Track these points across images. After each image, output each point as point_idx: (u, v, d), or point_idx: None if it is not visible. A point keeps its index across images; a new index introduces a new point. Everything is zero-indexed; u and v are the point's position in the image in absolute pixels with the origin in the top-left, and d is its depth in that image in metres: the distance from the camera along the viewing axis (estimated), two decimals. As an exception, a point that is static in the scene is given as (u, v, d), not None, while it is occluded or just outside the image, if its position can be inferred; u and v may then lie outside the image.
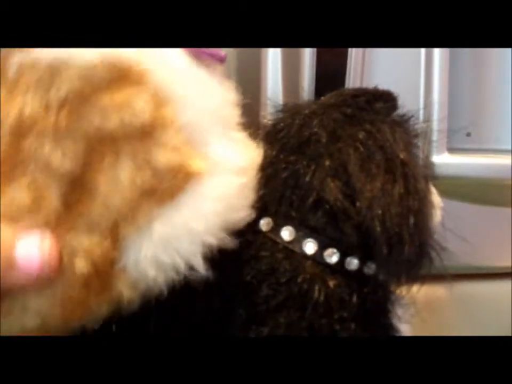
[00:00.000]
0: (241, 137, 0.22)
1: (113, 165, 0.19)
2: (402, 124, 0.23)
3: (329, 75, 0.28)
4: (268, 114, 0.24)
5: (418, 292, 0.21)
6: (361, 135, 0.21)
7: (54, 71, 0.18)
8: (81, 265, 0.19)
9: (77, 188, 0.19)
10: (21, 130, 0.19)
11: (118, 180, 0.19)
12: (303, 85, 0.27)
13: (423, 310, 0.21)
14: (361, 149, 0.21)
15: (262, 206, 0.21)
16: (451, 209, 0.23)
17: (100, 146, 0.18)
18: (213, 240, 0.19)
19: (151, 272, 0.19)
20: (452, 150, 0.33)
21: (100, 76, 0.18)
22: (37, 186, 0.19)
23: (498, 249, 0.34)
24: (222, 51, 0.22)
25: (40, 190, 0.19)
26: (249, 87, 0.28)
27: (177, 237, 0.20)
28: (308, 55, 0.27)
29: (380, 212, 0.20)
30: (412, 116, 0.23)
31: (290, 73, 0.29)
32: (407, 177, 0.21)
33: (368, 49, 0.28)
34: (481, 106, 0.36)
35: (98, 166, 0.19)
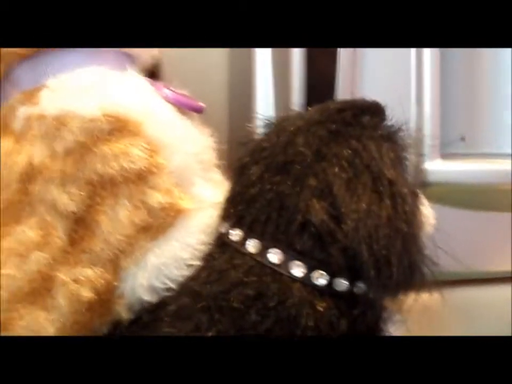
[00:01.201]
0: (218, 177, 0.40)
1: (113, 206, 0.35)
2: (391, 137, 0.36)
3: (319, 83, 0.42)
4: (255, 129, 0.37)
5: (414, 300, 0.33)
6: (346, 153, 0.35)
7: (59, 124, 0.35)
8: (86, 293, 0.35)
9: (81, 226, 0.36)
10: (29, 176, 0.36)
11: (118, 218, 0.35)
12: (293, 95, 0.40)
13: (421, 316, 0.34)
14: (347, 168, 0.34)
15: (247, 228, 0.35)
16: (447, 215, 0.35)
17: (101, 190, 0.35)
18: (196, 264, 0.34)
19: (146, 296, 0.35)
20: (445, 155, 0.46)
21: (100, 128, 0.35)
22: (45, 226, 0.36)
23: (497, 254, 0.45)
24: (200, 103, 0.39)
25: (48, 229, 0.36)
26: (240, 98, 0.42)
27: (167, 265, 0.37)
28: (297, 63, 0.40)
29: (366, 234, 0.33)
30: (401, 127, 0.35)
31: (281, 81, 0.44)
32: (395, 197, 0.34)
33: (358, 55, 0.41)
34: (475, 109, 0.48)
35: (100, 207, 0.35)
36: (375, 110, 0.38)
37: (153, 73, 0.41)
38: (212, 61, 0.49)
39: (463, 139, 0.51)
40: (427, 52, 0.45)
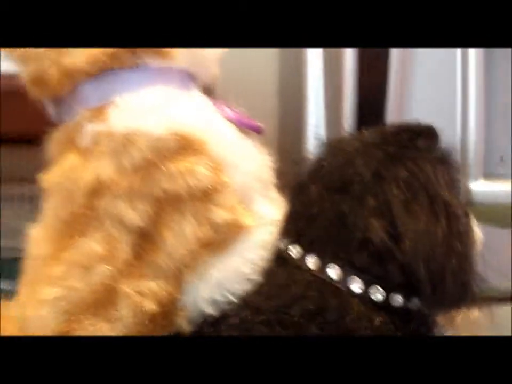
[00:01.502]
0: (276, 195, 0.47)
1: (179, 222, 0.41)
2: (444, 159, 0.43)
3: (370, 104, 0.48)
4: (311, 149, 0.43)
5: (463, 316, 0.40)
6: (404, 174, 0.41)
7: (128, 141, 0.42)
8: (149, 305, 0.41)
9: (146, 241, 0.42)
10: (96, 192, 0.42)
11: (183, 234, 0.41)
12: (345, 115, 0.46)
13: (469, 332, 0.40)
14: (405, 189, 0.41)
15: (307, 245, 0.41)
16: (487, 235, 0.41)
17: (168, 206, 0.41)
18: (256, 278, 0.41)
19: (207, 309, 0.41)
20: (487, 176, 0.54)
21: (167, 146, 0.41)
22: (111, 240, 0.41)
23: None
24: (259, 123, 0.46)
25: (114, 243, 0.41)
26: (292, 118, 0.48)
27: (229, 279, 0.44)
28: (349, 84, 0.46)
29: (423, 253, 0.39)
30: (453, 150, 0.41)
31: (332, 102, 0.51)
32: (450, 217, 0.41)
33: (408, 76, 0.48)
34: None
35: (166, 222, 0.42)
36: (429, 133, 0.45)
37: (208, 90, 0.48)
38: (262, 77, 0.56)
39: (502, 159, 0.59)
40: (472, 75, 0.53)
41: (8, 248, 0.77)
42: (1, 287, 0.65)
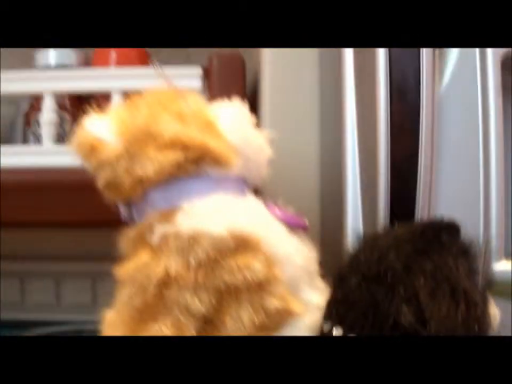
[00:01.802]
0: (321, 284, 0.62)
1: (237, 309, 0.55)
2: (465, 251, 0.56)
3: (401, 201, 0.62)
4: (350, 244, 0.56)
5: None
6: (429, 267, 0.54)
7: (193, 241, 0.56)
8: None
9: (209, 326, 0.57)
10: (166, 284, 0.56)
11: (241, 319, 0.56)
12: (380, 211, 0.60)
13: None
14: (430, 279, 0.54)
15: (347, 327, 0.53)
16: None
17: (228, 296, 0.55)
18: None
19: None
20: (509, 255, 0.68)
21: (227, 245, 0.56)
22: (179, 325, 0.56)
23: None
24: (306, 221, 0.60)
25: (182, 327, 0.56)
26: (333, 217, 0.62)
27: None
28: (382, 187, 0.60)
29: (445, 334, 0.51)
30: (473, 242, 0.53)
31: (368, 200, 0.66)
32: (469, 303, 0.54)
33: (434, 173, 0.63)
34: None
35: (226, 309, 0.56)
36: (452, 229, 0.59)
37: (258, 190, 0.61)
38: (305, 180, 0.71)
39: None
40: (494, 162, 0.67)
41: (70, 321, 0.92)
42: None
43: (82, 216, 0.79)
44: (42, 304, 1.07)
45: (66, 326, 0.99)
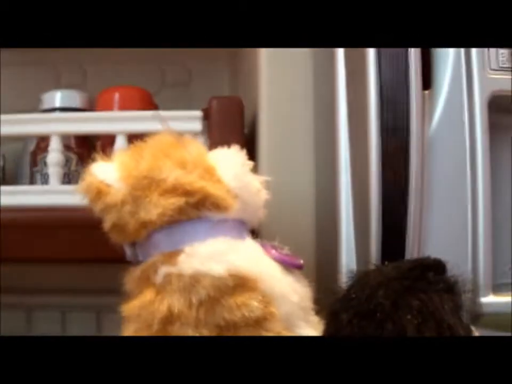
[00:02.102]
0: (315, 319, 0.66)
1: None
2: (450, 288, 0.60)
3: (392, 239, 0.65)
4: (343, 280, 0.60)
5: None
6: (416, 303, 0.58)
7: (195, 281, 0.60)
8: None
9: (210, 361, 0.57)
10: (169, 320, 0.60)
11: None
12: (372, 250, 0.64)
13: None
14: (417, 315, 0.58)
15: None
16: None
17: (227, 332, 0.60)
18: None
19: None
20: (496, 288, 0.72)
21: (227, 285, 0.60)
22: (182, 359, 0.56)
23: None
24: (300, 260, 0.64)
25: (184, 362, 0.57)
26: (327, 257, 0.65)
27: None
28: (375, 226, 0.64)
29: None
30: (458, 279, 0.57)
31: (361, 240, 0.70)
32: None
33: (425, 214, 0.68)
34: None
35: (226, 345, 0.56)
36: (438, 267, 0.63)
37: (254, 231, 0.65)
38: (300, 220, 0.76)
39: (511, 269, 0.75)
40: (481, 200, 0.72)
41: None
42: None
43: (87, 253, 0.83)
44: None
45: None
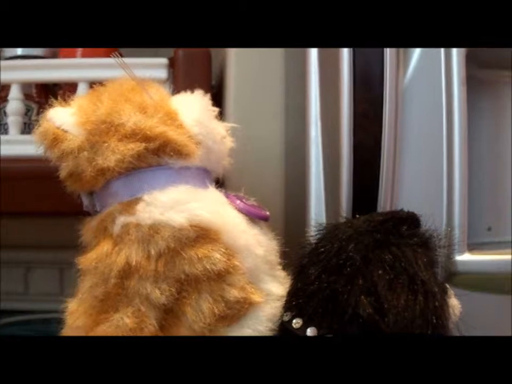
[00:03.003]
0: (282, 274, 0.61)
1: (197, 299, 0.55)
2: (424, 243, 0.56)
3: (364, 191, 0.62)
4: (311, 233, 0.56)
5: None
6: (388, 258, 0.54)
7: (153, 232, 0.56)
8: None
9: (169, 315, 0.56)
10: (127, 274, 0.55)
11: (201, 310, 0.55)
12: (343, 202, 0.60)
13: None
14: (389, 270, 0.54)
15: (307, 318, 0.53)
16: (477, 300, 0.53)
17: (188, 286, 0.54)
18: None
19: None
20: (472, 246, 0.68)
21: (187, 236, 0.55)
22: (140, 314, 0.55)
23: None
24: (267, 212, 0.60)
25: (142, 317, 0.55)
26: (296, 208, 0.61)
27: None
28: (345, 178, 0.60)
29: (403, 325, 0.51)
30: (433, 234, 0.53)
31: (331, 192, 0.66)
32: (427, 294, 0.54)
33: (397, 167, 0.65)
34: (500, 201, 0.70)
35: (186, 300, 0.55)
36: (411, 221, 0.58)
37: (220, 181, 0.61)
38: (269, 172, 0.71)
39: (489, 229, 0.71)
40: (456, 152, 0.67)
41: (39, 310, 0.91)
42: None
43: (47, 206, 0.78)
44: (10, 293, 1.06)
45: (34, 315, 0.99)
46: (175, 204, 0.57)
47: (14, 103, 0.79)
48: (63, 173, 0.60)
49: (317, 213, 0.67)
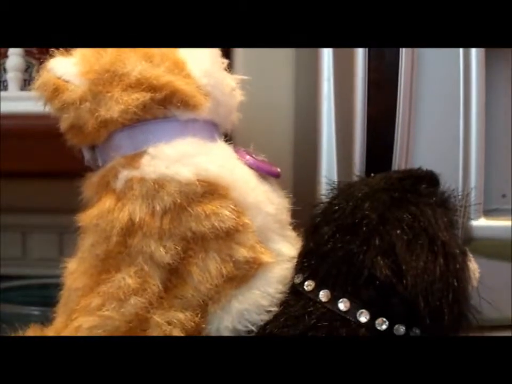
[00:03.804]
0: (293, 234, 0.57)
1: (204, 259, 0.51)
2: (444, 202, 0.52)
3: (378, 150, 0.58)
4: (324, 193, 0.52)
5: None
6: (406, 217, 0.50)
7: (159, 187, 0.51)
8: (177, 334, 0.50)
9: (174, 276, 0.52)
10: (130, 231, 0.51)
11: (208, 270, 0.51)
12: (356, 161, 0.56)
13: None
14: (407, 230, 0.50)
15: (320, 280, 0.49)
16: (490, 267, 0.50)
17: (194, 245, 0.50)
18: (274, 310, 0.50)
19: (229, 337, 0.50)
20: (488, 212, 0.64)
21: (195, 191, 0.51)
22: (143, 274, 0.51)
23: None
24: (277, 168, 0.56)
25: (145, 277, 0.51)
26: (306, 165, 0.57)
27: (249, 311, 0.54)
28: (359, 132, 0.56)
29: (423, 288, 0.48)
30: (452, 194, 0.49)
31: (343, 150, 0.61)
32: (447, 256, 0.50)
33: (412, 125, 0.60)
34: None
35: (192, 259, 0.51)
36: (430, 179, 0.54)
37: (229, 136, 0.57)
38: (279, 129, 0.67)
39: (504, 196, 0.68)
40: (473, 117, 0.63)
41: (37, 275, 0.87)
42: (31, 312, 0.74)
43: (47, 165, 0.74)
44: (8, 258, 1.03)
45: (32, 280, 0.96)
46: (181, 157, 0.53)
47: (14, 58, 0.76)
48: (63, 125, 0.56)
49: (328, 170, 0.63)
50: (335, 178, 0.63)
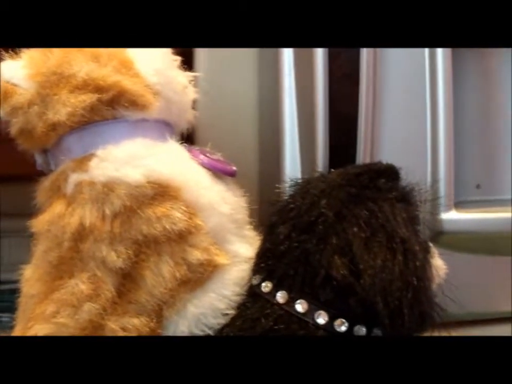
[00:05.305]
0: (251, 233, 0.53)
1: (157, 262, 0.48)
2: (404, 197, 0.49)
3: (342, 145, 0.54)
4: (283, 189, 0.49)
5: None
6: (364, 214, 0.47)
7: (108, 190, 0.49)
8: None
9: (127, 280, 0.49)
10: (81, 236, 0.48)
11: (161, 273, 0.48)
12: (318, 155, 0.53)
13: None
14: (365, 228, 0.47)
15: (277, 281, 0.46)
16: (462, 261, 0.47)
17: (146, 248, 0.47)
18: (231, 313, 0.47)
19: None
20: (459, 204, 0.61)
21: (145, 193, 0.48)
22: (96, 280, 0.48)
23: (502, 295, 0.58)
24: (233, 166, 0.53)
25: (98, 283, 0.48)
26: (270, 162, 0.54)
27: (205, 315, 0.51)
28: (321, 127, 0.54)
29: (381, 287, 0.45)
30: (414, 188, 0.46)
31: (307, 145, 0.58)
32: (407, 254, 0.47)
33: (377, 116, 0.57)
34: (489, 158, 0.63)
35: (145, 263, 0.48)
36: (390, 173, 0.51)
37: (188, 136, 0.54)
38: (242, 126, 0.64)
39: (478, 187, 0.65)
40: (441, 109, 0.60)
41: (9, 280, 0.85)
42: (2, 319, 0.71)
43: (18, 169, 0.72)
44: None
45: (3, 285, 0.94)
46: (130, 158, 0.50)
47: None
48: (13, 130, 0.53)
49: (291, 169, 0.60)
50: (299, 175, 0.60)
